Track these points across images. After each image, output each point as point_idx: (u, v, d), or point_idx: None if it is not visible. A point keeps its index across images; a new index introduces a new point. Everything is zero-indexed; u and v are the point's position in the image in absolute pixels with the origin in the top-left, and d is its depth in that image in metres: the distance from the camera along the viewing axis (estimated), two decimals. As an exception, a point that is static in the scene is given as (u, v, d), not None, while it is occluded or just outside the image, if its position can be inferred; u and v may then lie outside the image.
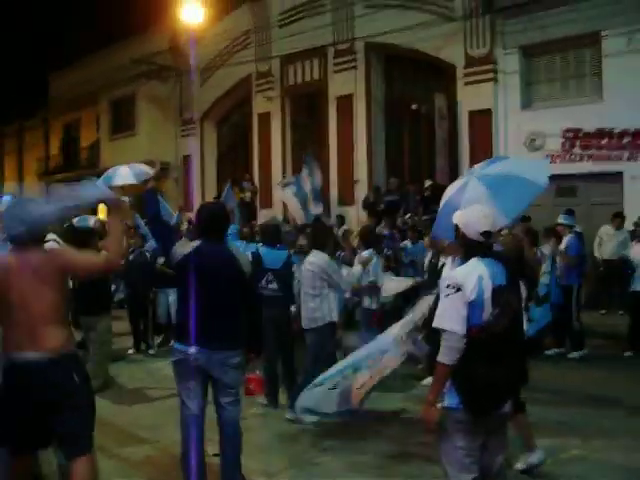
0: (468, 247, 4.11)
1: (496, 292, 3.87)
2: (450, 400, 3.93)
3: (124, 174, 16.74)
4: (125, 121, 27.23)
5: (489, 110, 16.73)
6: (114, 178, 16.15)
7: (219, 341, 5.11)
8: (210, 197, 22.04)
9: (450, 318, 3.85)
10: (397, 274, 11.65)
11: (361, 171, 19.22)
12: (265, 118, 22.12)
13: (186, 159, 25.10)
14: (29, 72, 38.75)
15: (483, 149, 16.60)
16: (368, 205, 17.57)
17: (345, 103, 19.65)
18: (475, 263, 4.01)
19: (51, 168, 32.48)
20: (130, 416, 7.79)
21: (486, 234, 4.01)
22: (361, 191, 18.81)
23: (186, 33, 21.94)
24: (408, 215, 16.11)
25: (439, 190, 16.27)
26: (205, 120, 24.81)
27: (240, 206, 18.73)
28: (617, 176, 14.87)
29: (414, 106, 18.28)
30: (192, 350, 5.11)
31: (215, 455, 5.53)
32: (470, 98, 17.02)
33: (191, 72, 23.19)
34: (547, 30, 15.69)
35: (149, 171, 16.74)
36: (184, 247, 5.32)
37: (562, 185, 15.12)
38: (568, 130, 15.49)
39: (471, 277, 3.88)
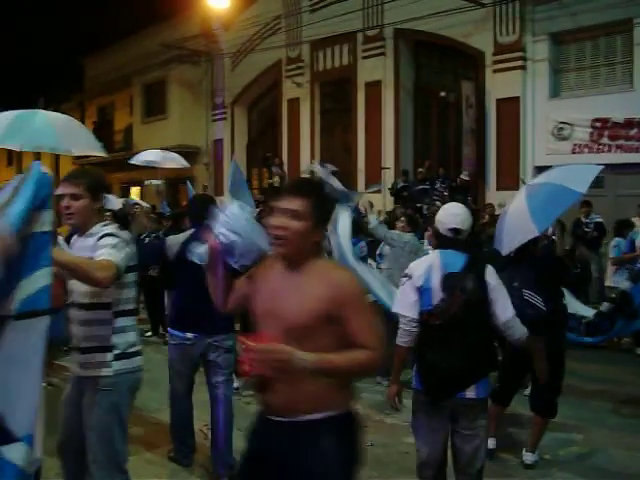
0: (437, 240, 4.48)
1: (446, 278, 4.10)
2: (415, 382, 4.24)
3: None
4: (157, 105, 27.37)
5: (517, 98, 16.57)
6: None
7: (213, 326, 5.29)
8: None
9: (402, 303, 4.21)
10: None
11: (389, 158, 19.17)
12: (294, 104, 22.17)
13: (216, 143, 25.22)
14: (65, 56, 39.05)
15: (511, 137, 16.55)
16: (397, 191, 17.53)
17: (373, 90, 19.62)
18: (431, 254, 4.44)
19: (86, 151, 32.68)
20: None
21: (454, 231, 4.26)
22: (388, 178, 18.77)
23: (216, 18, 22.02)
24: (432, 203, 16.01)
25: (466, 181, 16.38)
26: (235, 105, 24.90)
27: (268, 191, 18.86)
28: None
29: (442, 93, 18.14)
30: (189, 335, 5.42)
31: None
32: (498, 86, 16.88)
33: (220, 57, 23.28)
34: (577, 17, 15.49)
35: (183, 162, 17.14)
36: (178, 238, 5.58)
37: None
38: (596, 120, 15.30)
39: (421, 266, 4.24)
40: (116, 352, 3.80)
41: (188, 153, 23.90)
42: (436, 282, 4.10)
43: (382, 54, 19.39)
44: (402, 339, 4.18)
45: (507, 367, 5.82)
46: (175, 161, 16.85)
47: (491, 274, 4.18)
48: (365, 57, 19.88)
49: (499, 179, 16.80)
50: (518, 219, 5.45)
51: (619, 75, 15.61)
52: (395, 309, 4.27)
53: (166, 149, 18.99)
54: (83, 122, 33.27)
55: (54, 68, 41.33)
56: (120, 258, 3.53)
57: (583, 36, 15.98)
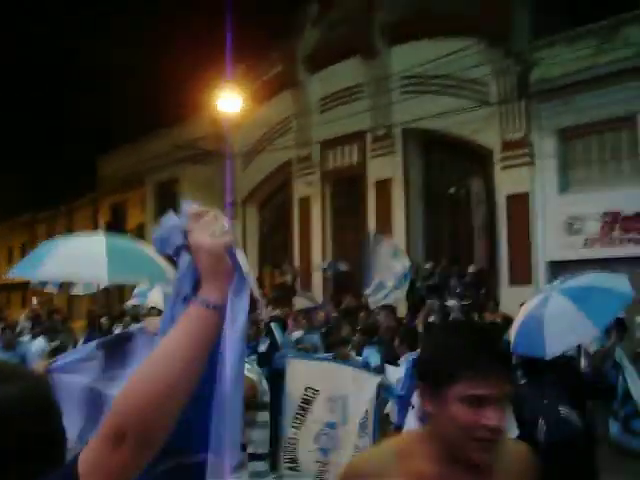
0: None
1: None
2: None
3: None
4: (170, 204, 27.61)
5: (526, 194, 16.69)
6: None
7: None
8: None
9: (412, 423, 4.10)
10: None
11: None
12: (305, 202, 22.41)
13: (228, 242, 25.36)
14: (78, 154, 39.82)
15: (521, 233, 16.59)
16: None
17: (384, 188, 19.83)
18: None
19: (98, 249, 32.95)
20: None
21: None
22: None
23: (227, 119, 22.47)
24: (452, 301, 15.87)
25: (480, 276, 16.37)
26: (247, 204, 25.20)
27: (280, 289, 18.86)
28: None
29: (451, 190, 18.31)
30: None
31: None
32: (507, 182, 17.03)
33: (230, 157, 23.67)
34: (582, 113, 15.70)
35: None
36: None
37: (602, 270, 14.89)
38: (607, 213, 15.37)
39: None
40: None
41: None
42: None
43: (391, 152, 19.67)
44: None
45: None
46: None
47: None
48: (374, 156, 20.17)
49: (512, 274, 16.76)
50: (567, 320, 5.34)
51: (627, 169, 15.72)
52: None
53: None
54: (96, 220, 33.90)
55: (68, 166, 42.14)
56: None
57: (589, 131, 16.15)
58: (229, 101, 21.24)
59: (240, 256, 1.76)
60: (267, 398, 4.60)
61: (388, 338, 10.89)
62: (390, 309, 14.54)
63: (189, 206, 1.81)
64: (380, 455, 2.09)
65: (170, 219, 1.85)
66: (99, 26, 39.98)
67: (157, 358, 1.57)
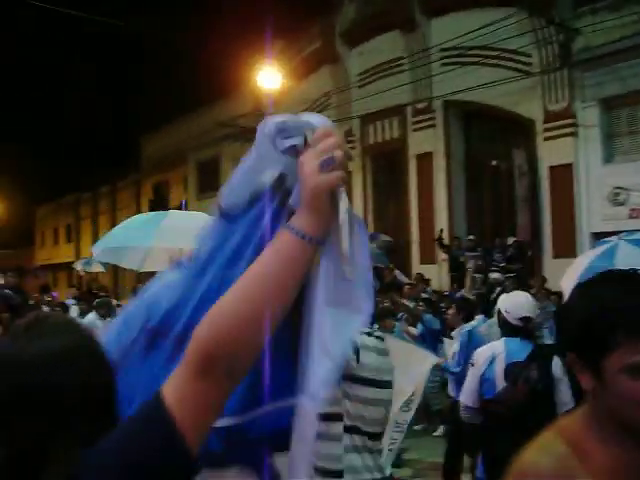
0: (503, 328, 4.42)
1: (509, 368, 4.06)
2: (479, 473, 4.29)
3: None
4: (211, 182, 27.86)
5: (570, 165, 16.48)
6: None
7: None
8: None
9: (463, 390, 4.28)
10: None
11: (443, 229, 19.11)
12: (347, 177, 22.27)
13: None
14: (123, 135, 40.25)
15: (565, 205, 16.41)
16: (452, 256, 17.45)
17: (425, 161, 19.73)
18: (496, 343, 4.38)
19: (141, 228, 33.34)
20: None
21: (524, 319, 4.25)
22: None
23: (268, 96, 22.48)
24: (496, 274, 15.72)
25: (523, 248, 16.22)
26: (287, 179, 25.18)
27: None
28: None
29: (494, 162, 18.15)
30: None
31: None
32: (550, 153, 16.82)
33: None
34: (626, 82, 15.45)
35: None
36: None
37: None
38: (652, 184, 15.15)
39: (484, 354, 4.21)
40: None
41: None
42: (499, 371, 4.06)
43: (432, 126, 19.54)
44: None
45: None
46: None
47: (557, 365, 4.11)
48: (415, 129, 20.06)
49: (555, 247, 16.60)
50: None
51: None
52: (460, 397, 4.34)
53: None
54: (138, 200, 34.26)
55: (112, 146, 42.68)
56: None
57: (633, 100, 15.87)
58: (269, 78, 21.25)
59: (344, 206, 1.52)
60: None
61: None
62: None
63: (324, 121, 1.62)
64: (552, 450, 1.68)
65: (309, 117, 1.64)
66: (144, 5, 40.08)
67: (249, 278, 1.44)
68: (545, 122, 16.95)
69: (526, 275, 15.35)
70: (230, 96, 26.26)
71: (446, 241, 17.89)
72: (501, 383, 4.06)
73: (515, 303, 4.37)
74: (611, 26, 15.40)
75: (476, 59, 17.99)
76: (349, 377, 3.14)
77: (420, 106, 19.77)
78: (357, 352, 3.13)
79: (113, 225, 37.10)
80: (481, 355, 4.24)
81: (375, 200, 21.80)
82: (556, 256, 16.38)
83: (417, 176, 20.02)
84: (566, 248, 15.87)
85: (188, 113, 29.77)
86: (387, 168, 21.67)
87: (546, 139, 16.94)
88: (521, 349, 4.15)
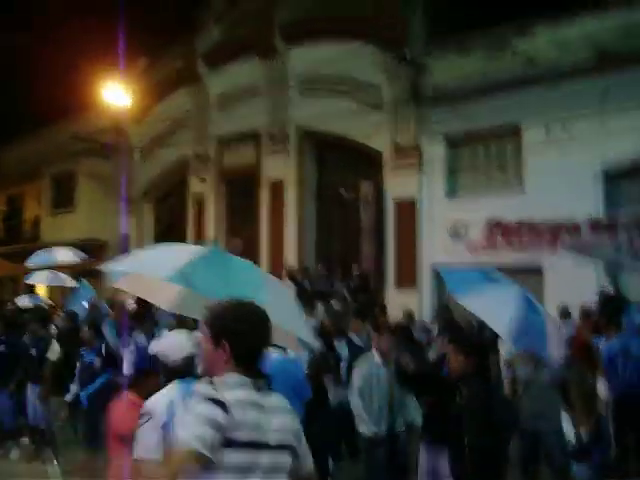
0: (165, 373, 4.17)
1: None
2: None
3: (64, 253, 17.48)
4: (65, 197, 27.09)
5: (414, 198, 16.83)
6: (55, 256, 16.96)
7: None
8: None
9: (147, 450, 3.71)
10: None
11: (291, 255, 19.17)
12: (200, 199, 22.13)
13: (122, 239, 24.89)
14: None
15: (408, 236, 16.71)
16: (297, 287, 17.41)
17: (277, 188, 19.71)
18: (168, 389, 4.00)
19: (-6, 240, 32.12)
20: None
21: (187, 359, 4.11)
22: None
23: (121, 113, 22.09)
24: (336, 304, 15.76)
25: (366, 279, 16.39)
26: (144, 199, 24.76)
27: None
28: (537, 269, 14.81)
29: (341, 191, 18.36)
30: None
31: None
32: (396, 186, 17.15)
33: (128, 152, 23.31)
34: (471, 120, 15.88)
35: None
36: None
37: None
38: (490, 221, 15.59)
39: (160, 403, 3.86)
40: None
41: (95, 247, 23.61)
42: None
43: (286, 152, 19.56)
44: None
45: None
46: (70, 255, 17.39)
47: None
48: (269, 155, 20.03)
49: (398, 278, 16.87)
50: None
51: (511, 178, 15.97)
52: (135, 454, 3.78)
53: (73, 243, 19.31)
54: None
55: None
56: None
57: (476, 138, 16.38)
58: (118, 94, 20.96)
59: None
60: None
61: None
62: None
63: None
64: None
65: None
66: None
67: None
68: (392, 155, 17.24)
69: (370, 306, 15.47)
70: (87, 111, 25.61)
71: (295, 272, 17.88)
72: None
73: (172, 344, 4.25)
74: (459, 66, 15.93)
75: (330, 90, 18.28)
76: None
77: (274, 132, 19.77)
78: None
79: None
80: (156, 405, 3.87)
81: (228, 223, 21.61)
82: (398, 286, 16.66)
83: (269, 202, 19.97)
84: (408, 279, 16.20)
85: (44, 126, 28.84)
86: (241, 192, 21.53)
87: (393, 172, 17.24)
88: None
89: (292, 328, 4.85)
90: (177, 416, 3.75)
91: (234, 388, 2.79)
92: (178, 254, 4.93)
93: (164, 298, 5.22)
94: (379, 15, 17.41)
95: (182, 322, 9.90)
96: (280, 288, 5.39)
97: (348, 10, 18.07)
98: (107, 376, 8.60)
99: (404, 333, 9.60)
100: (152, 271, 4.82)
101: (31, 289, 21.84)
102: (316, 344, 5.29)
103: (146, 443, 3.75)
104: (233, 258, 5.25)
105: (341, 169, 19.35)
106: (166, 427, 3.76)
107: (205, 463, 2.61)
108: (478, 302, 6.14)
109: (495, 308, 6.12)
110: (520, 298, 6.21)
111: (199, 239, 21.96)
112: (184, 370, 4.09)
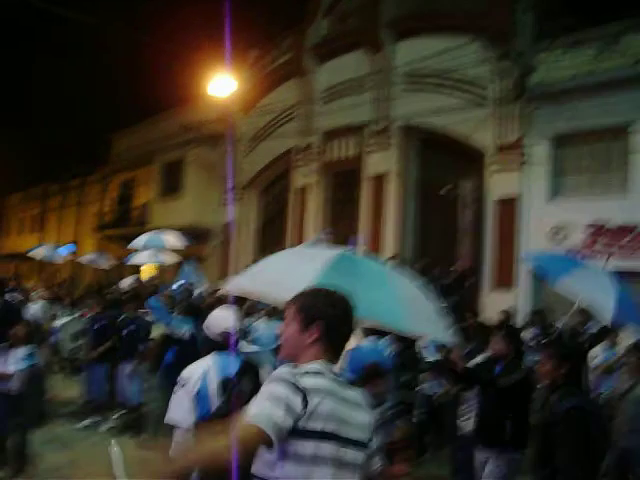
0: (205, 345, 4.49)
1: (222, 384, 4.09)
2: None
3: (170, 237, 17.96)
4: (174, 183, 27.81)
5: (515, 199, 16.54)
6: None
7: None
8: (244, 267, 22.23)
9: (179, 413, 4.06)
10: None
11: (389, 251, 19.12)
12: (302, 192, 22.36)
13: (227, 226, 25.41)
14: (94, 131, 40.12)
15: (507, 237, 16.45)
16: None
17: (378, 182, 19.72)
18: (204, 360, 4.33)
19: (105, 223, 33.33)
20: None
21: (224, 334, 4.36)
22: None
23: (229, 104, 22.55)
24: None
25: (461, 279, 16.17)
26: (248, 189, 25.16)
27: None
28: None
29: (442, 192, 18.19)
30: None
31: None
32: (497, 185, 16.90)
33: (234, 142, 23.79)
34: (577, 120, 15.51)
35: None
36: None
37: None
38: (591, 225, 15.19)
39: (195, 372, 4.16)
40: None
41: (200, 233, 24.25)
42: (212, 388, 4.08)
43: (388, 147, 19.54)
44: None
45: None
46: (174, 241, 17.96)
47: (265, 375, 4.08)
48: (371, 150, 20.06)
49: (494, 279, 16.63)
50: None
51: (615, 180, 15.49)
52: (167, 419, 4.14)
53: (179, 228, 20.22)
54: (104, 196, 34.19)
55: (84, 141, 42.46)
56: None
57: (582, 140, 15.96)
58: (227, 86, 21.44)
59: None
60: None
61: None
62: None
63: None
64: None
65: None
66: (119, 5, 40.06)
67: None
68: (494, 154, 16.99)
69: (462, 306, 15.32)
70: (198, 101, 26.26)
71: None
72: (216, 399, 4.05)
73: (214, 319, 4.48)
74: (567, 64, 15.55)
75: (435, 85, 18.17)
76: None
77: (377, 127, 19.77)
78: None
79: (78, 218, 37.06)
80: (192, 373, 4.19)
81: (329, 216, 21.74)
82: (494, 287, 16.44)
83: (371, 196, 19.98)
84: (505, 280, 15.97)
85: (158, 115, 29.90)
86: (343, 186, 21.62)
87: (494, 171, 17.00)
88: (230, 364, 4.18)
89: (430, 333, 4.87)
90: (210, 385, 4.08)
91: (317, 376, 2.77)
92: (304, 268, 4.50)
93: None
94: (487, 11, 17.14)
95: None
96: (413, 290, 4.95)
97: (456, 5, 17.91)
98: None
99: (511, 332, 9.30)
100: (281, 293, 4.04)
101: (136, 271, 22.52)
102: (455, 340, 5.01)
103: (178, 408, 4.09)
104: (363, 262, 5.02)
105: (442, 166, 19.09)
106: (199, 394, 4.08)
107: (266, 443, 2.57)
108: (575, 283, 6.41)
109: (594, 286, 6.30)
110: (609, 276, 6.51)
111: (298, 231, 22.24)
112: (221, 344, 4.35)
